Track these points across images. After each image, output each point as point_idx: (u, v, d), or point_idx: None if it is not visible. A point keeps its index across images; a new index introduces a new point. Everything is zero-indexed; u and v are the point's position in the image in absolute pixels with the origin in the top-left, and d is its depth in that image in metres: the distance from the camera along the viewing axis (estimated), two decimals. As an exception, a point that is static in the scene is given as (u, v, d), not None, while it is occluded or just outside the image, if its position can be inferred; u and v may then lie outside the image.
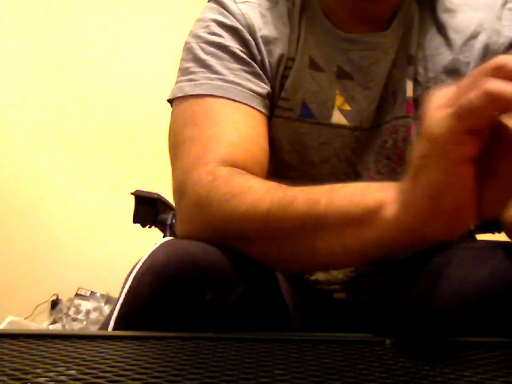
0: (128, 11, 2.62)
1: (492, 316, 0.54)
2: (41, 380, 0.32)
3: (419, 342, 0.47)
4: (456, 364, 0.41)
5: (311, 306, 0.74)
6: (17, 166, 2.41)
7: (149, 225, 2.01)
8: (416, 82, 0.70)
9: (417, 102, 0.69)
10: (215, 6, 0.70)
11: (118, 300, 0.51)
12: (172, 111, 0.68)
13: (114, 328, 0.50)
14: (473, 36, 0.70)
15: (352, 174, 0.72)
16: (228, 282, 0.51)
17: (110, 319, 0.50)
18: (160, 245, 0.53)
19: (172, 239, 0.56)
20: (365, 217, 0.46)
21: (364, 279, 0.72)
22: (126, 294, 0.50)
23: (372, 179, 0.70)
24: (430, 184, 0.41)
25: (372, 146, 0.71)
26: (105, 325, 0.51)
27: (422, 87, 0.69)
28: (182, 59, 0.70)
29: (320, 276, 0.73)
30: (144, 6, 2.65)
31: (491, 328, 0.53)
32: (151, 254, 0.52)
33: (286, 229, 0.51)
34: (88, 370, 0.34)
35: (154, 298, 0.50)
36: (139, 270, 0.51)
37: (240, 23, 0.68)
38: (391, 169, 0.71)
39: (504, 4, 0.70)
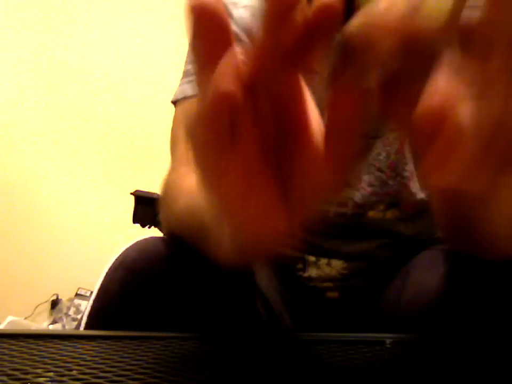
0: (128, 11, 2.63)
1: (443, 318, 0.53)
2: (41, 379, 0.32)
3: (419, 342, 0.47)
4: (457, 364, 0.41)
5: (303, 305, 0.74)
6: (17, 166, 2.42)
7: (148, 225, 2.01)
8: None
9: None
10: None
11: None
12: (174, 114, 0.69)
13: (87, 325, 0.51)
14: None
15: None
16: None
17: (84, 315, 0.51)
18: (134, 243, 0.54)
19: (147, 238, 0.57)
20: None
21: (356, 277, 0.72)
22: (98, 290, 0.52)
23: (364, 190, 0.71)
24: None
25: (365, 158, 0.71)
26: (80, 323, 0.52)
27: None
28: (185, 62, 0.71)
29: (313, 272, 0.73)
30: (145, 8, 2.65)
31: (446, 330, 0.52)
32: (123, 251, 0.53)
33: None
34: (88, 370, 0.34)
35: (124, 293, 0.50)
36: (111, 266, 0.52)
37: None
38: (382, 182, 0.71)
39: None
